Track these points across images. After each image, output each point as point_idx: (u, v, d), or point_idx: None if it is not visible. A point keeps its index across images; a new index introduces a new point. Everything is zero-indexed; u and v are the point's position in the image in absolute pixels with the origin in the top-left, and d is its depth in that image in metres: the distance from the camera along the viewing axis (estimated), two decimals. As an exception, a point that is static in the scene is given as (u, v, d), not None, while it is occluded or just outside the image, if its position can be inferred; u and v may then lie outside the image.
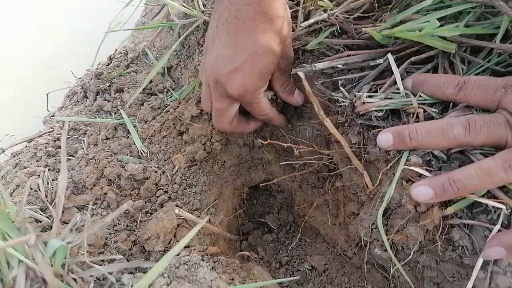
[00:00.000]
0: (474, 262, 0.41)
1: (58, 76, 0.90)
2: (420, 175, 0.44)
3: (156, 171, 0.64)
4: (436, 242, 0.43)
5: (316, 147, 0.59)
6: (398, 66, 0.52)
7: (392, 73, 0.52)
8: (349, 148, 0.52)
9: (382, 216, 0.49)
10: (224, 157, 0.65)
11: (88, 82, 0.82)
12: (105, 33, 0.73)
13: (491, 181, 0.39)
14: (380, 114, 0.49)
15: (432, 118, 0.47)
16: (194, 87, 0.68)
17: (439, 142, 0.43)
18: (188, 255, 0.42)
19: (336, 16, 0.60)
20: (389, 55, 0.52)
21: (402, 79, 0.51)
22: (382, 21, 0.59)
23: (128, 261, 0.52)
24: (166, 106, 0.72)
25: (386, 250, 0.46)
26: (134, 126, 0.71)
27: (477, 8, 0.50)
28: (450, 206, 0.43)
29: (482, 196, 0.41)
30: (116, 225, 0.59)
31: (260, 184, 0.69)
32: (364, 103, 0.50)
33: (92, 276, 0.38)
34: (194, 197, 0.62)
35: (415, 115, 0.47)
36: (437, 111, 0.47)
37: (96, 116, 0.76)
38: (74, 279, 0.36)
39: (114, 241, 0.56)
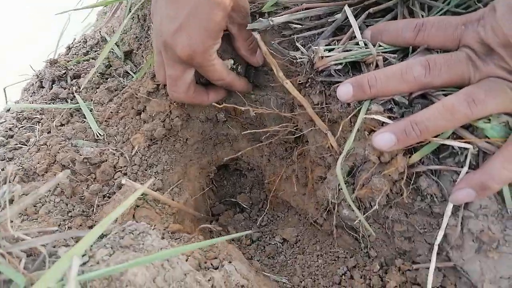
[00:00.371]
0: (444, 210, 0.38)
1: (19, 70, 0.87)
2: (383, 124, 0.41)
3: (114, 154, 0.60)
4: (403, 193, 0.40)
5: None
6: (356, 19, 0.49)
7: (352, 27, 0.49)
8: (311, 109, 0.50)
9: (348, 175, 0.46)
10: (186, 133, 0.62)
11: (43, 71, 0.78)
12: (55, 14, 0.69)
13: (455, 119, 0.36)
14: (340, 67, 0.47)
15: (393, 65, 0.44)
16: (150, 64, 0.65)
17: (399, 87, 0.40)
18: (135, 225, 0.38)
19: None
20: (346, 7, 0.50)
21: (361, 33, 0.48)
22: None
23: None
24: (124, 88, 0.69)
25: (354, 211, 0.43)
26: (90, 110, 0.67)
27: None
28: (415, 154, 0.40)
29: (448, 138, 0.38)
30: (70, 211, 0.55)
31: (225, 159, 0.65)
32: (322, 57, 0.47)
33: (23, 251, 0.34)
34: (155, 177, 0.58)
35: (374, 63, 0.44)
36: (398, 58, 0.44)
37: (52, 104, 0.72)
38: (2, 254, 0.32)
39: (68, 227, 0.53)
